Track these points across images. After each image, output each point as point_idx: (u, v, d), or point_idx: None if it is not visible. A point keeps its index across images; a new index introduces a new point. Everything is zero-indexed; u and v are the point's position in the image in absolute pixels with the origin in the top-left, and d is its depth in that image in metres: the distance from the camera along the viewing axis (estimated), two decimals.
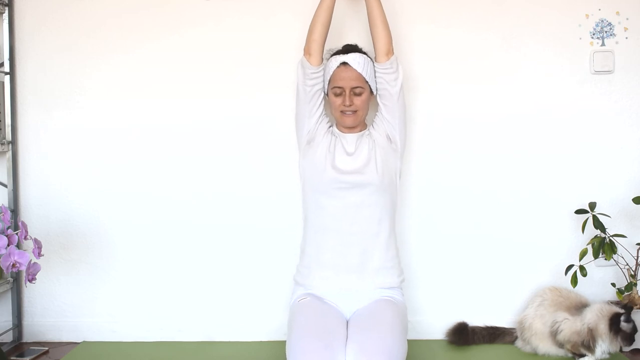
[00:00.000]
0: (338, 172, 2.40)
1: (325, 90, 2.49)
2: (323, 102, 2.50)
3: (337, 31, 2.66)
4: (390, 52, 2.43)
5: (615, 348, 2.47)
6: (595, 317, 2.47)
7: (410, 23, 2.76)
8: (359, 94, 2.43)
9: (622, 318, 2.44)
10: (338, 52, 2.47)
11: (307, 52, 2.45)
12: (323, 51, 2.46)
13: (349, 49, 2.47)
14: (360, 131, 2.50)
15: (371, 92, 2.47)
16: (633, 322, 2.47)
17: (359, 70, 2.40)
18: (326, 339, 2.15)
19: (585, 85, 2.79)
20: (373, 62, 2.46)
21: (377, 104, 2.50)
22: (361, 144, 2.46)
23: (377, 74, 2.45)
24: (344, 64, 2.41)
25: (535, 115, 2.80)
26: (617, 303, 2.69)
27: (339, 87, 2.42)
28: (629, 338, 2.45)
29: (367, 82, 2.43)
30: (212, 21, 2.81)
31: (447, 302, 2.82)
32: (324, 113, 2.51)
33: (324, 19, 2.44)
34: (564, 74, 2.79)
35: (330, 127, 2.53)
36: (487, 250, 2.82)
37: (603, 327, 2.44)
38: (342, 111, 2.44)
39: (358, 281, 2.40)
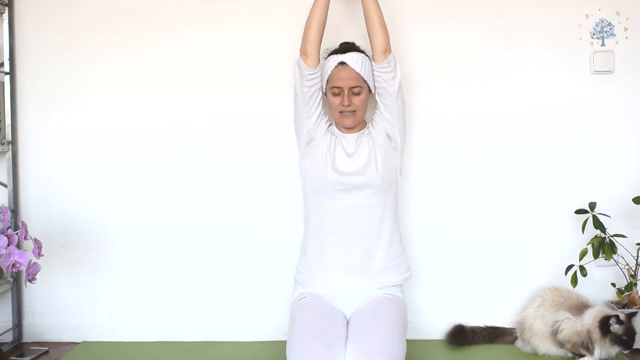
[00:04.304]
0: (338, 173, 2.40)
1: (324, 90, 2.49)
2: (321, 102, 2.49)
3: (334, 30, 2.65)
4: (387, 50, 2.41)
5: (610, 352, 2.44)
6: (592, 319, 2.46)
7: (410, 22, 2.76)
8: (358, 94, 2.42)
9: (612, 321, 2.41)
10: (335, 51, 2.46)
11: (303, 53, 2.43)
12: (319, 51, 2.44)
13: (347, 47, 2.46)
14: (360, 130, 2.49)
15: (370, 90, 2.47)
16: (626, 324, 2.41)
17: (357, 70, 2.39)
18: (326, 339, 2.15)
19: (585, 85, 2.79)
20: (371, 61, 2.45)
21: (376, 102, 2.49)
22: (361, 144, 2.45)
23: (375, 73, 2.44)
24: (342, 63, 2.40)
25: (535, 115, 2.79)
26: (617, 303, 2.70)
27: (338, 87, 2.41)
28: (621, 341, 2.40)
29: (365, 81, 2.42)
30: (212, 21, 2.81)
31: (447, 302, 2.82)
32: (322, 113, 2.50)
33: (319, 19, 2.42)
34: (564, 73, 2.79)
35: (329, 126, 2.52)
36: (486, 250, 2.82)
37: (595, 331, 2.44)
38: (341, 112, 2.43)
39: (361, 281, 2.40)
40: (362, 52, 2.46)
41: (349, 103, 2.40)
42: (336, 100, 2.43)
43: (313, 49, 2.42)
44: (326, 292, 2.40)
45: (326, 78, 2.44)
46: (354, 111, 2.43)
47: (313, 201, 2.47)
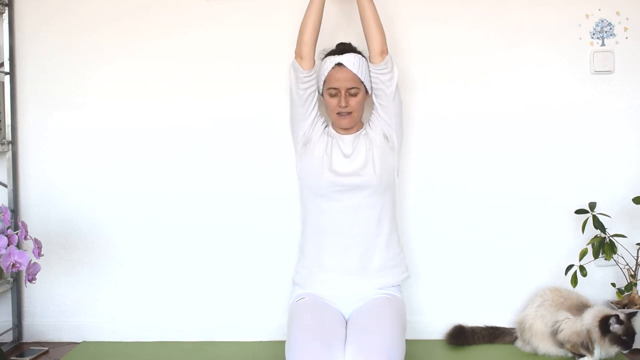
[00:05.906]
0: (336, 174, 2.39)
1: (320, 91, 2.48)
2: (317, 104, 2.48)
3: (329, 32, 2.65)
4: (384, 52, 2.40)
5: (609, 352, 2.45)
6: (592, 319, 2.46)
7: (408, 22, 2.76)
8: (355, 95, 2.41)
9: (612, 320, 2.42)
10: (332, 52, 2.45)
11: (298, 55, 2.42)
12: (314, 54, 2.43)
13: (343, 48, 2.45)
14: (357, 131, 2.49)
15: (366, 91, 2.46)
16: (626, 324, 2.42)
17: (354, 71, 2.39)
18: (325, 338, 2.15)
19: (585, 85, 2.79)
20: (368, 62, 2.44)
21: (373, 103, 2.49)
22: (358, 145, 2.45)
23: (372, 75, 2.43)
24: (339, 64, 2.39)
25: (535, 115, 2.79)
26: (617, 303, 2.70)
27: (334, 88, 2.41)
28: (621, 341, 2.41)
29: (362, 82, 2.42)
30: (212, 21, 2.81)
31: (447, 302, 2.82)
32: (319, 114, 2.50)
33: (314, 21, 2.41)
34: (564, 73, 2.79)
35: (325, 127, 2.52)
36: (486, 250, 2.82)
37: (595, 331, 2.44)
38: (338, 113, 2.43)
39: (360, 282, 2.40)
40: (359, 53, 2.46)
41: (345, 104, 2.40)
42: (333, 102, 2.42)
43: (308, 51, 2.41)
44: (325, 293, 2.40)
45: (323, 79, 2.44)
46: (351, 112, 2.42)
47: (310, 202, 2.46)
